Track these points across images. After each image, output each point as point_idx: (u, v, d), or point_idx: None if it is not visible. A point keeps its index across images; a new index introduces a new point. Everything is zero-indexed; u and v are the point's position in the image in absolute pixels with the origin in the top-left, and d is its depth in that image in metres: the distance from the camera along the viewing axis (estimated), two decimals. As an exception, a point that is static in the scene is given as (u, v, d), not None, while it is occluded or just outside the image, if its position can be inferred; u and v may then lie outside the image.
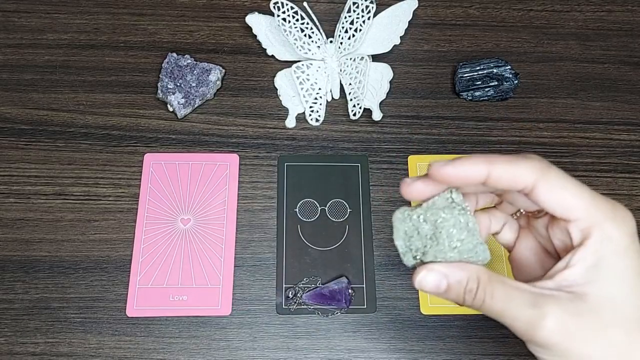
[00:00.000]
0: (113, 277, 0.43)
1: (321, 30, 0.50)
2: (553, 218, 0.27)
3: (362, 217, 0.46)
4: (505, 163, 0.24)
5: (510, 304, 0.24)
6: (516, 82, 0.50)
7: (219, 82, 0.50)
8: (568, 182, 0.25)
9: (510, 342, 0.42)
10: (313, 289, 0.43)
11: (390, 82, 0.51)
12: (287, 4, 0.48)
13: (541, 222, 0.28)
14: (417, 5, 0.51)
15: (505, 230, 0.29)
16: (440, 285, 0.25)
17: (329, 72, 0.50)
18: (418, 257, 0.27)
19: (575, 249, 0.24)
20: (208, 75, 0.50)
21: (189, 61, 0.50)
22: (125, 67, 0.52)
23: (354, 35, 0.49)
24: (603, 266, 0.24)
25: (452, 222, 0.25)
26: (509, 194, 0.28)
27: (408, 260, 0.27)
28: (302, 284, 0.43)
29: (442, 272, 0.25)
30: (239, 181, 0.47)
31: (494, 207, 0.30)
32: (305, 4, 0.48)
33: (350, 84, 0.49)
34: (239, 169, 0.48)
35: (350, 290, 0.42)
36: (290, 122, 0.50)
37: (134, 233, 0.45)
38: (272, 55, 0.52)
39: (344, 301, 0.42)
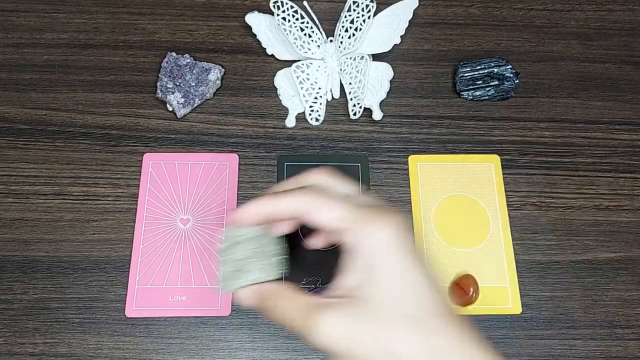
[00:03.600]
0: (112, 278, 0.43)
1: (321, 30, 0.49)
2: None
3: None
4: (281, 199, 0.29)
5: (287, 314, 0.27)
6: (517, 81, 0.50)
7: (218, 82, 0.50)
8: (333, 200, 0.28)
9: (511, 342, 0.42)
10: (313, 289, 0.43)
11: (390, 81, 0.50)
12: (287, 3, 0.48)
13: None
14: (417, 4, 0.51)
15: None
16: (249, 299, 0.29)
17: (329, 72, 0.50)
18: (230, 280, 0.31)
19: (346, 257, 0.27)
20: (207, 75, 0.50)
21: (189, 60, 0.50)
22: (125, 66, 0.51)
23: (354, 35, 0.49)
24: (370, 269, 0.26)
25: (256, 251, 0.31)
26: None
27: (226, 287, 0.31)
28: (302, 284, 0.43)
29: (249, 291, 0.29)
30: (238, 181, 0.47)
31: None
32: (305, 3, 0.48)
33: (350, 83, 0.49)
34: (239, 168, 0.47)
35: None
36: (290, 122, 0.49)
37: (133, 233, 0.45)
38: (272, 55, 0.52)
39: None
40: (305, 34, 0.49)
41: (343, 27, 0.49)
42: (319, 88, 0.50)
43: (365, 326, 0.25)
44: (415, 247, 0.26)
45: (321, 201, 0.28)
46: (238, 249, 0.31)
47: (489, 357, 0.25)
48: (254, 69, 0.52)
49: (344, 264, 0.27)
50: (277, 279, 0.30)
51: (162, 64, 0.50)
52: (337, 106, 0.51)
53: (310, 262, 0.44)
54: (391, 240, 0.26)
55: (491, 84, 0.50)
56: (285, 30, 0.49)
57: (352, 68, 0.49)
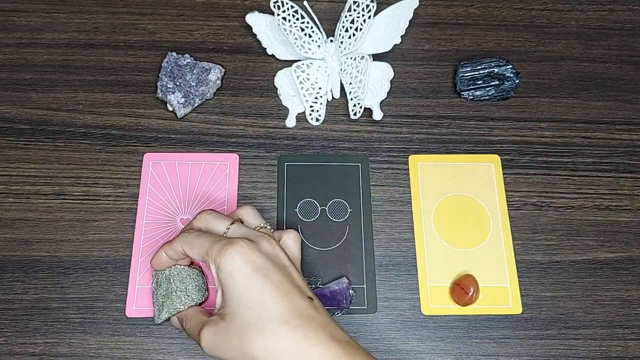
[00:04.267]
0: (112, 278, 0.43)
1: (321, 30, 0.49)
2: None
3: (363, 217, 0.46)
4: (168, 247, 0.38)
5: (193, 328, 0.35)
6: (517, 81, 0.50)
7: (218, 82, 0.50)
8: (198, 236, 0.35)
9: (511, 342, 0.42)
10: (313, 289, 0.43)
11: (390, 81, 0.50)
12: (287, 3, 0.48)
13: None
14: (417, 4, 0.51)
15: None
16: (176, 322, 0.39)
17: (330, 72, 0.50)
18: (159, 312, 0.40)
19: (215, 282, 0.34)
20: (208, 75, 0.50)
21: (189, 60, 0.50)
22: (125, 66, 0.51)
23: (354, 35, 0.49)
24: (223, 289, 0.33)
25: (178, 285, 0.39)
26: None
27: (158, 317, 0.39)
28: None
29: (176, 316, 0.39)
30: (239, 181, 0.47)
31: None
32: (305, 3, 0.48)
33: (350, 83, 0.49)
34: (239, 168, 0.47)
35: (351, 291, 0.42)
36: (291, 122, 0.49)
37: (134, 233, 0.45)
38: (272, 55, 0.52)
39: (344, 302, 0.42)
40: (305, 34, 0.49)
41: (343, 27, 0.49)
42: (319, 88, 0.50)
43: (226, 336, 0.32)
44: (261, 264, 0.33)
45: (192, 239, 0.35)
46: (163, 285, 0.40)
47: (331, 354, 0.31)
48: (254, 69, 0.52)
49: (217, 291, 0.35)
50: (200, 303, 0.39)
51: (162, 64, 0.50)
52: (338, 106, 0.51)
53: (310, 262, 0.44)
54: (237, 265, 0.33)
55: (491, 84, 0.50)
56: (285, 30, 0.49)
57: (352, 68, 0.49)
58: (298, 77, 0.49)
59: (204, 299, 0.40)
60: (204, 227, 0.37)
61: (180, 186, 0.46)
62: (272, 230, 0.38)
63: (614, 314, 0.43)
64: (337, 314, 0.42)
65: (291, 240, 0.38)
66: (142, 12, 0.54)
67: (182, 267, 0.40)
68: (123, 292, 0.43)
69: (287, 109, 0.50)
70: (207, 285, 0.42)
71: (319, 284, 0.43)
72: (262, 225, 0.38)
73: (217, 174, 0.47)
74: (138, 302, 0.42)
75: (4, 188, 0.46)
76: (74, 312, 0.42)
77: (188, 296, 0.39)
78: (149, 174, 0.47)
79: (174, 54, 0.50)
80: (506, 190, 0.47)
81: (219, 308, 0.34)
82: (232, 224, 0.36)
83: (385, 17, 0.51)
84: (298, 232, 0.38)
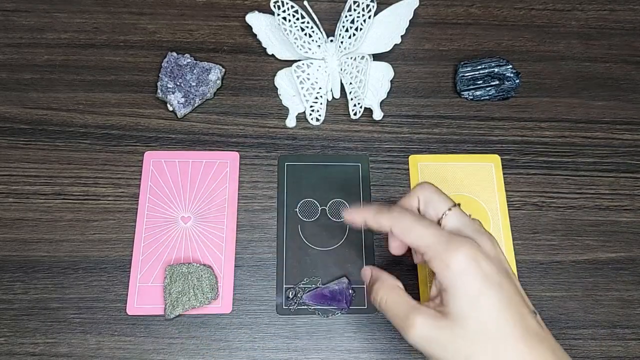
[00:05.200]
0: (112, 277, 0.43)
1: (322, 29, 0.49)
2: None
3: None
4: (373, 217, 0.34)
5: (393, 306, 0.33)
6: (517, 81, 0.50)
7: (218, 82, 0.50)
8: (416, 223, 0.32)
9: (512, 342, 0.42)
10: (313, 289, 0.43)
11: (391, 81, 0.50)
12: (287, 3, 0.48)
13: None
14: (418, 4, 0.51)
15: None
16: (364, 274, 0.36)
17: (330, 72, 0.50)
18: (172, 307, 0.41)
19: (433, 277, 0.32)
20: (208, 75, 0.50)
21: (189, 60, 0.50)
22: (125, 66, 0.51)
23: (354, 34, 0.49)
24: (447, 289, 0.31)
25: (190, 284, 0.41)
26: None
27: (169, 313, 0.41)
28: (302, 284, 0.43)
29: (368, 268, 0.36)
30: (239, 181, 0.47)
31: None
32: (305, 2, 0.48)
33: (350, 83, 0.49)
34: (239, 168, 0.47)
35: (350, 291, 0.42)
36: (291, 122, 0.49)
37: (134, 232, 0.45)
38: (272, 55, 0.51)
39: (344, 301, 0.42)
40: (305, 34, 0.49)
41: (343, 27, 0.49)
42: (320, 88, 0.50)
43: (450, 336, 0.30)
44: (491, 272, 0.30)
45: (410, 225, 0.33)
46: (179, 281, 0.41)
47: None
48: (254, 68, 0.52)
49: (434, 281, 0.32)
50: (211, 302, 0.42)
51: (162, 64, 0.50)
52: (338, 106, 0.51)
53: (310, 262, 0.44)
54: (466, 267, 0.30)
55: (492, 83, 0.50)
56: (285, 30, 0.49)
57: (352, 68, 0.49)
58: (298, 77, 0.49)
59: (215, 298, 0.42)
60: (422, 200, 0.34)
61: (180, 184, 0.46)
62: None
63: (614, 314, 0.43)
64: (337, 314, 0.42)
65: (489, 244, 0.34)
66: (142, 12, 0.54)
67: (198, 265, 0.42)
68: (123, 292, 0.43)
69: (287, 109, 0.50)
70: (218, 284, 0.43)
71: (319, 284, 0.43)
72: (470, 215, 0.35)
73: (217, 172, 0.47)
74: (139, 300, 0.42)
75: (4, 188, 0.46)
76: (74, 312, 0.42)
77: (203, 294, 0.41)
78: (150, 172, 0.47)
79: (174, 54, 0.50)
80: (506, 190, 0.47)
81: (438, 304, 0.32)
82: (454, 206, 0.34)
83: (385, 17, 0.51)
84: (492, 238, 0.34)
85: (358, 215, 0.35)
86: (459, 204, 0.34)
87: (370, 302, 0.43)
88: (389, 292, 0.33)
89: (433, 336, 0.30)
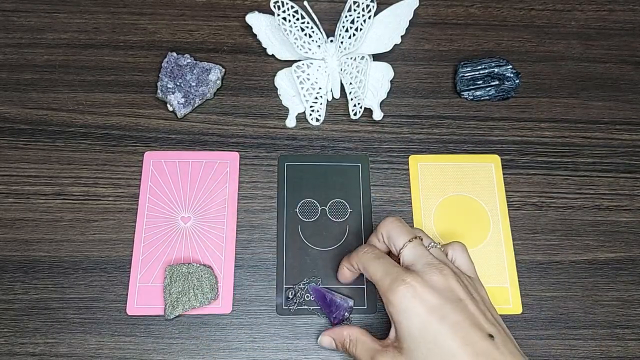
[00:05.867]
0: (113, 278, 0.43)
1: (321, 30, 0.49)
2: None
3: (363, 217, 0.46)
4: (347, 260, 0.40)
5: (363, 353, 0.36)
6: (517, 81, 0.50)
7: (218, 82, 0.50)
8: (372, 260, 0.36)
9: (511, 342, 0.42)
10: (322, 287, 0.42)
11: (391, 81, 0.50)
12: (287, 3, 0.48)
13: None
14: (418, 4, 0.51)
15: None
16: (331, 343, 0.39)
17: (330, 72, 0.50)
18: (172, 307, 0.41)
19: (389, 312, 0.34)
20: (208, 75, 0.50)
21: (189, 60, 0.50)
22: (125, 66, 0.51)
23: (354, 35, 0.49)
24: (395, 325, 0.34)
25: (191, 284, 0.42)
26: None
27: (169, 313, 0.41)
28: (303, 284, 0.43)
29: (331, 336, 0.39)
30: (239, 181, 0.47)
31: None
32: (305, 3, 0.48)
33: (350, 83, 0.49)
34: (239, 168, 0.47)
35: (347, 314, 0.42)
36: (291, 122, 0.49)
37: (134, 232, 0.45)
38: (272, 55, 0.52)
39: (334, 317, 0.42)
40: (305, 34, 0.49)
41: (343, 27, 0.49)
42: (320, 88, 0.50)
43: None
44: (435, 304, 0.32)
45: (368, 262, 0.36)
46: (179, 282, 0.42)
47: None
48: (254, 69, 0.52)
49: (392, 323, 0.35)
50: (211, 302, 0.42)
51: (162, 64, 0.50)
52: (338, 106, 0.51)
53: (310, 262, 0.44)
54: (407, 304, 0.32)
55: (491, 84, 0.50)
56: (285, 30, 0.49)
57: (352, 68, 0.49)
58: (298, 77, 0.49)
59: (215, 298, 0.42)
60: (385, 236, 0.37)
61: (180, 184, 0.46)
62: (440, 246, 0.37)
63: (614, 314, 0.43)
64: (321, 318, 0.42)
65: (458, 252, 0.37)
66: (142, 12, 0.54)
67: (198, 265, 0.42)
68: (123, 292, 0.43)
69: (287, 109, 0.50)
70: (218, 285, 0.43)
71: (319, 284, 0.43)
72: (430, 244, 0.37)
73: (217, 172, 0.47)
74: (139, 300, 0.42)
75: (4, 188, 0.46)
76: (74, 312, 0.42)
77: (203, 294, 0.41)
78: (150, 172, 0.47)
79: (174, 54, 0.51)
80: (506, 190, 0.47)
81: (393, 340, 0.34)
82: (410, 240, 0.36)
83: (385, 17, 0.51)
84: (460, 243, 0.38)
85: (342, 269, 0.40)
86: (419, 237, 0.36)
87: (370, 302, 0.43)
88: (355, 344, 0.37)
89: None
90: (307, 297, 0.43)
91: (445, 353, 0.31)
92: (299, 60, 0.50)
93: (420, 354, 0.32)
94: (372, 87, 0.50)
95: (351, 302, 0.42)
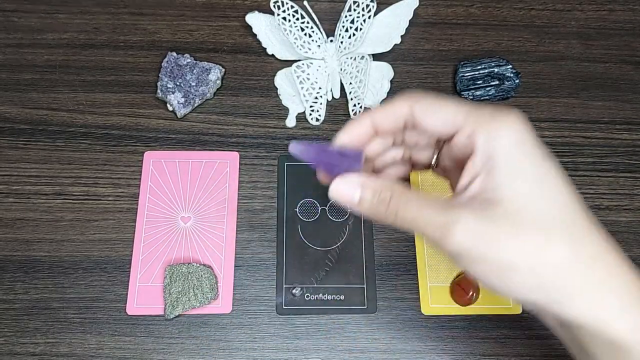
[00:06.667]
0: (113, 277, 0.43)
1: (321, 30, 0.49)
2: (447, 143, 0.27)
3: (363, 217, 0.46)
4: (384, 108, 0.27)
5: (422, 211, 0.24)
6: (517, 81, 0.50)
7: (218, 82, 0.50)
8: (443, 100, 0.25)
9: (511, 342, 0.42)
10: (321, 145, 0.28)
11: (390, 81, 0.50)
12: (287, 3, 0.48)
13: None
14: (418, 4, 0.51)
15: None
16: (353, 195, 0.25)
17: (330, 72, 0.50)
18: (172, 307, 0.41)
19: (470, 158, 0.24)
20: (208, 75, 0.50)
21: (189, 60, 0.50)
22: (125, 66, 0.51)
23: (354, 35, 0.49)
24: (499, 167, 0.23)
25: (190, 284, 0.42)
26: (415, 151, 0.30)
27: (169, 313, 0.41)
28: (306, 286, 0.43)
29: (357, 181, 0.25)
30: (239, 181, 0.47)
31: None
32: (305, 3, 0.48)
33: (350, 83, 0.49)
34: (239, 168, 0.48)
35: (359, 167, 0.27)
36: (291, 122, 0.49)
37: (134, 232, 0.45)
38: (272, 55, 0.52)
39: (355, 159, 0.27)
40: (305, 34, 0.49)
41: (343, 27, 0.49)
42: (320, 88, 0.50)
43: (504, 229, 0.22)
44: (542, 145, 0.24)
45: (431, 103, 0.25)
46: (179, 281, 0.42)
47: (632, 272, 0.23)
48: (254, 68, 0.52)
49: (466, 169, 0.24)
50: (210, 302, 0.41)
51: (162, 64, 0.50)
52: (338, 106, 0.51)
53: (310, 262, 0.44)
54: (518, 138, 0.23)
55: (491, 83, 0.50)
56: (285, 30, 0.49)
57: (352, 68, 0.49)
58: (298, 77, 0.49)
59: (215, 298, 0.42)
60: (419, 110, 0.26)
61: (180, 184, 0.47)
62: None
63: (613, 313, 0.43)
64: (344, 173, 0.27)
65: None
66: (142, 12, 0.54)
67: (198, 265, 0.42)
68: (123, 291, 0.43)
69: (287, 109, 0.50)
70: (218, 284, 0.43)
71: (318, 281, 0.43)
72: None
73: (217, 172, 0.47)
74: (139, 300, 0.43)
75: (5, 188, 0.46)
76: (74, 312, 0.42)
77: (203, 294, 0.41)
78: (150, 172, 0.47)
79: (174, 54, 0.51)
80: (506, 190, 0.47)
81: (477, 192, 0.24)
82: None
83: (385, 17, 0.51)
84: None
85: (353, 129, 0.27)
86: None
87: (370, 301, 0.43)
88: (406, 200, 0.25)
89: (480, 232, 0.23)
90: (307, 296, 0.43)
91: (571, 207, 0.23)
92: (299, 60, 0.50)
93: (535, 202, 0.23)
94: (372, 87, 0.50)
95: (362, 153, 0.27)
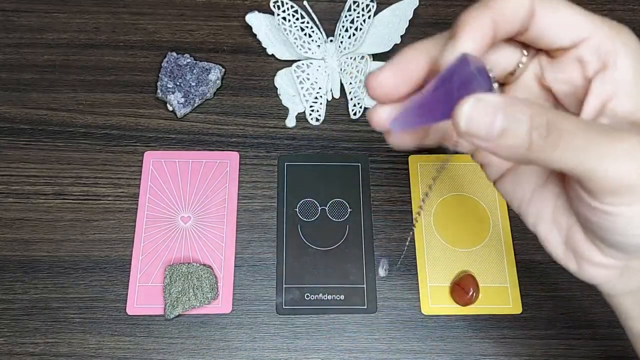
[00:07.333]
0: (113, 277, 0.43)
1: (321, 29, 0.49)
2: (551, 59, 0.22)
3: (363, 217, 0.46)
4: (498, 2, 0.20)
5: (592, 137, 0.18)
6: (517, 81, 0.50)
7: (218, 82, 0.50)
8: (566, 1, 0.20)
9: (511, 342, 0.42)
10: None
11: (390, 81, 0.50)
12: (287, 3, 0.48)
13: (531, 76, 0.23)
14: (417, 4, 0.51)
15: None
16: (492, 125, 0.18)
17: (330, 72, 0.50)
18: (172, 307, 0.41)
19: (600, 74, 0.20)
20: (208, 75, 0.50)
21: (189, 60, 0.50)
22: (125, 66, 0.51)
23: (354, 35, 0.49)
24: None
25: (190, 284, 0.41)
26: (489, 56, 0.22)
27: (169, 313, 0.41)
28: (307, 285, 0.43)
29: (496, 103, 0.18)
30: (239, 181, 0.47)
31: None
32: (305, 2, 0.48)
33: (350, 83, 0.49)
34: (239, 168, 0.47)
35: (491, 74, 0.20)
36: (291, 122, 0.49)
37: (134, 231, 0.45)
38: (272, 55, 0.51)
39: (485, 83, 0.19)
40: (305, 34, 0.49)
41: (343, 27, 0.49)
42: (319, 88, 0.50)
43: None
44: None
45: (557, 2, 0.20)
46: (179, 281, 0.41)
47: None
48: (254, 68, 0.52)
49: (595, 89, 0.20)
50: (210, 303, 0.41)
51: (162, 64, 0.50)
52: (338, 106, 0.51)
53: (310, 262, 0.44)
54: None
55: (491, 83, 0.50)
56: (285, 30, 0.49)
57: (352, 68, 0.49)
58: (298, 77, 0.49)
59: (215, 298, 0.42)
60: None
61: (180, 184, 0.46)
62: None
63: (614, 314, 0.43)
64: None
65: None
66: (142, 12, 0.54)
67: (198, 265, 0.42)
68: (123, 291, 0.43)
69: (287, 109, 0.50)
70: (218, 284, 0.43)
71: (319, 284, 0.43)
72: None
73: (217, 172, 0.47)
74: (139, 300, 0.42)
75: (4, 188, 0.46)
76: (74, 311, 0.42)
77: (203, 294, 0.41)
78: (150, 172, 0.47)
79: (174, 54, 0.51)
80: (506, 190, 0.47)
81: (628, 115, 0.20)
82: None
83: (385, 17, 0.51)
84: None
85: (470, 35, 0.20)
86: None
87: (370, 302, 0.43)
88: (569, 125, 0.18)
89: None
90: (307, 296, 0.43)
91: None
92: (299, 60, 0.50)
93: None
94: (372, 87, 0.50)
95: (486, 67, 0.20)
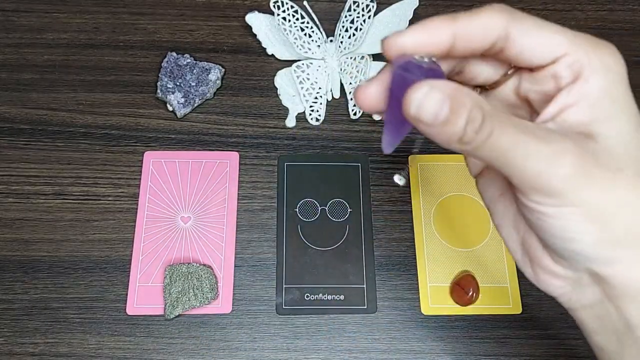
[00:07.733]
0: (112, 277, 0.43)
1: (321, 30, 0.49)
2: (529, 72, 0.23)
3: (363, 217, 0.46)
4: (469, 16, 0.21)
5: (520, 137, 0.19)
6: (517, 81, 0.50)
7: (218, 82, 0.50)
8: (542, 21, 0.22)
9: (511, 342, 0.42)
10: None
11: (390, 81, 0.50)
12: (287, 3, 0.48)
13: (509, 86, 0.25)
14: (417, 4, 0.51)
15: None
16: (440, 111, 0.19)
17: (330, 72, 0.50)
18: (172, 307, 0.41)
19: (569, 86, 0.21)
20: (208, 75, 0.50)
21: (189, 60, 0.50)
22: (125, 66, 0.51)
23: (354, 35, 0.49)
24: (608, 100, 0.21)
25: (191, 284, 0.42)
26: (472, 65, 0.24)
27: (169, 313, 0.41)
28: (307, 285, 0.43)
29: (446, 92, 0.19)
30: (239, 181, 0.47)
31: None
32: (305, 2, 0.48)
33: (350, 83, 0.49)
34: (239, 168, 0.47)
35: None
36: (290, 122, 0.49)
37: (134, 231, 0.45)
38: (272, 55, 0.52)
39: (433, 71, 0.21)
40: (305, 34, 0.49)
41: (343, 27, 0.49)
42: (319, 88, 0.50)
43: (604, 168, 0.20)
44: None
45: (534, 22, 0.21)
46: (179, 281, 0.41)
47: None
48: (254, 69, 0.52)
49: (559, 97, 0.21)
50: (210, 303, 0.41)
51: (162, 64, 0.50)
52: (337, 106, 0.51)
53: (310, 262, 0.44)
54: (622, 74, 0.21)
55: (491, 83, 0.50)
56: (285, 30, 0.49)
57: (352, 68, 0.49)
58: (298, 77, 0.49)
59: (215, 298, 0.42)
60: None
61: (180, 184, 0.46)
62: None
63: (613, 313, 0.43)
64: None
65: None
66: (142, 12, 0.54)
67: (198, 265, 0.42)
68: (123, 291, 0.43)
69: (287, 109, 0.50)
70: (218, 284, 0.43)
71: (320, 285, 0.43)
72: None
73: (217, 172, 0.47)
74: (139, 300, 0.42)
75: (4, 188, 0.46)
76: (74, 312, 0.42)
77: (203, 294, 0.41)
78: (150, 172, 0.47)
79: (174, 54, 0.51)
80: (506, 190, 0.47)
81: (574, 123, 0.21)
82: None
83: (385, 17, 0.51)
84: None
85: (417, 34, 0.22)
86: None
87: (370, 302, 0.43)
88: (501, 121, 0.20)
89: (588, 168, 0.20)
90: (307, 296, 0.43)
91: None
92: (299, 60, 0.50)
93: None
94: (372, 87, 0.50)
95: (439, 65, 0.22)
